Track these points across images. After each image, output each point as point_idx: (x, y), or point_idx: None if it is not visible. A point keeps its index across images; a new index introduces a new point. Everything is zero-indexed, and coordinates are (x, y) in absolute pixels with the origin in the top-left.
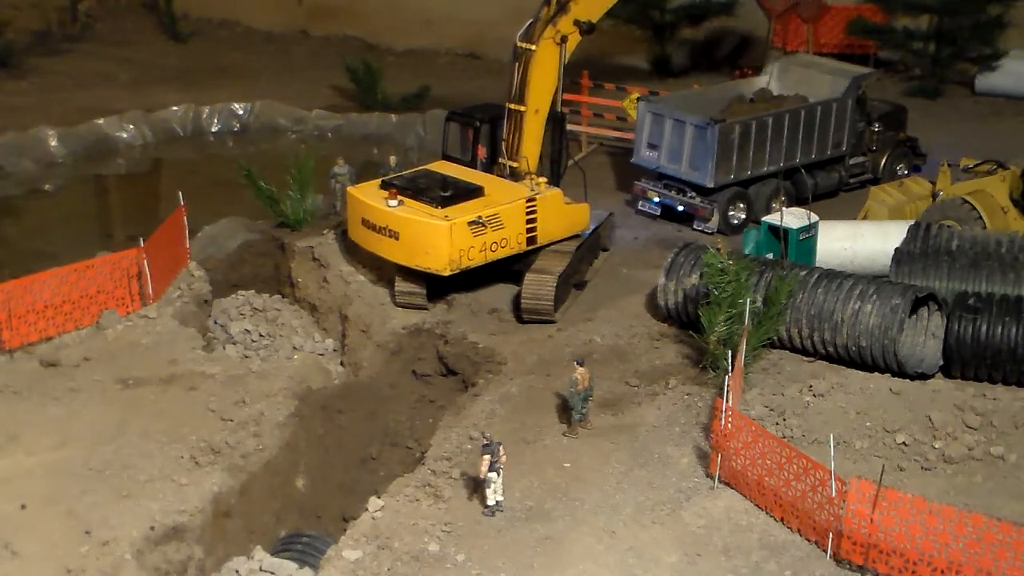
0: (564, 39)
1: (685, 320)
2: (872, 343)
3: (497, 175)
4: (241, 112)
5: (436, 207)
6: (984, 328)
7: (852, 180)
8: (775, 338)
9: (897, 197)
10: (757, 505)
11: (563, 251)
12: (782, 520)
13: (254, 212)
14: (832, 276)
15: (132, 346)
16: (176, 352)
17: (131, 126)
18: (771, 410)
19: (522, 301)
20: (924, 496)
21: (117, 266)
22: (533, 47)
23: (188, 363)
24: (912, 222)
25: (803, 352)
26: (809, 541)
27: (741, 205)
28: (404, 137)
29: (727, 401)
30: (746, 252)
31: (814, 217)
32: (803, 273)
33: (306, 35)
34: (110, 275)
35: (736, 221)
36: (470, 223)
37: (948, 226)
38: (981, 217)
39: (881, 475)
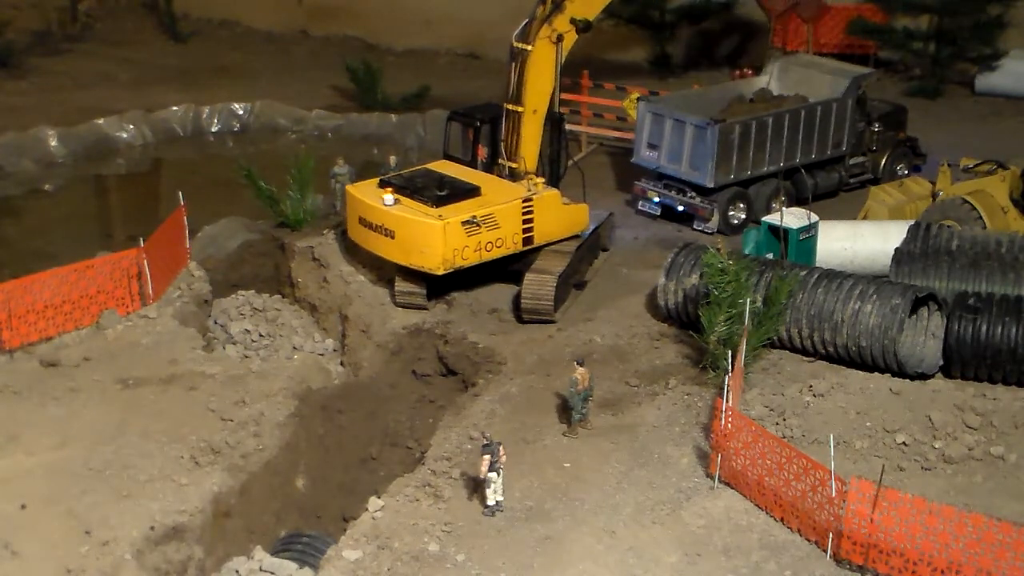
0: (560, 38)
1: (685, 320)
2: (872, 343)
3: (497, 175)
4: (241, 112)
5: (431, 206)
6: (984, 328)
7: (852, 180)
8: (775, 338)
9: (897, 197)
10: (757, 505)
11: (563, 251)
12: (782, 520)
13: (254, 212)
14: (832, 276)
15: (132, 346)
16: (176, 352)
17: (131, 126)
18: (771, 410)
19: (522, 301)
20: (924, 496)
21: (117, 266)
22: (529, 47)
23: (188, 363)
24: (912, 222)
25: (803, 352)
26: (809, 541)
27: (741, 205)
28: (404, 137)
29: (727, 401)
30: (746, 252)
31: (814, 217)
32: (803, 273)
33: (306, 35)
34: (110, 275)
35: (736, 221)
36: (464, 223)
37: (948, 226)
38: (981, 217)
39: (881, 475)
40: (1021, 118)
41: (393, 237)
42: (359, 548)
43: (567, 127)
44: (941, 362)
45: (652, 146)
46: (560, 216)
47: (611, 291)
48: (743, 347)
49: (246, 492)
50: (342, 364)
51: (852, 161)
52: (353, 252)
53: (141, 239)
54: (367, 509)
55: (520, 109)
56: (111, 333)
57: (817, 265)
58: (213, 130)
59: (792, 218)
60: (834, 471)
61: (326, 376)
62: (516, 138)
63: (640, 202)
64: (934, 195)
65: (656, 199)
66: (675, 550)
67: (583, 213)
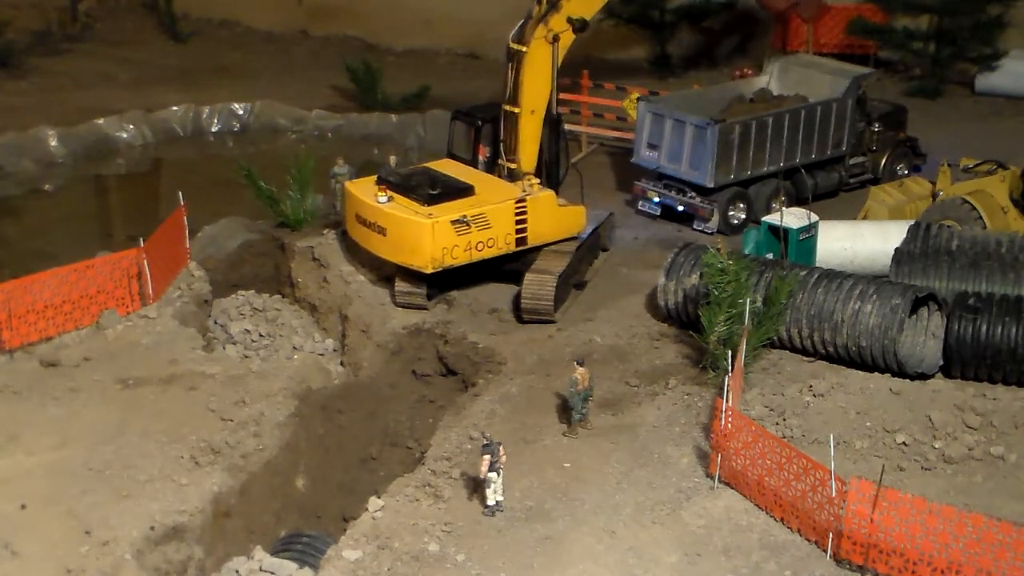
0: (556, 38)
1: (685, 320)
2: (872, 343)
3: (498, 175)
4: (241, 112)
5: (422, 205)
6: (984, 328)
7: (852, 180)
8: (775, 338)
9: (897, 197)
10: (757, 505)
11: (563, 251)
12: (782, 520)
13: (254, 212)
14: (832, 276)
15: (132, 346)
16: (176, 352)
17: (131, 126)
18: (771, 410)
19: (522, 301)
20: (924, 496)
21: (117, 266)
22: (524, 48)
23: (188, 363)
24: (912, 222)
25: (803, 352)
26: (809, 541)
27: (741, 205)
28: (404, 137)
29: (727, 401)
30: (746, 252)
31: (814, 217)
32: (803, 273)
33: (306, 35)
34: (110, 275)
35: (736, 221)
36: (454, 222)
37: (948, 226)
38: (981, 217)
39: (881, 475)
40: (1021, 118)
41: (385, 235)
42: (359, 548)
43: (568, 127)
44: (941, 362)
45: (652, 146)
46: (555, 218)
47: (611, 291)
48: (743, 347)
49: (246, 492)
50: (342, 364)
51: (852, 161)
52: (353, 252)
53: (141, 239)
54: (367, 509)
55: (517, 110)
56: (111, 333)
57: (817, 265)
58: (213, 130)
59: (792, 218)
60: (834, 471)
61: (326, 376)
62: (514, 139)
63: (640, 202)
64: (934, 195)
65: (656, 199)
66: (675, 550)
67: (579, 215)
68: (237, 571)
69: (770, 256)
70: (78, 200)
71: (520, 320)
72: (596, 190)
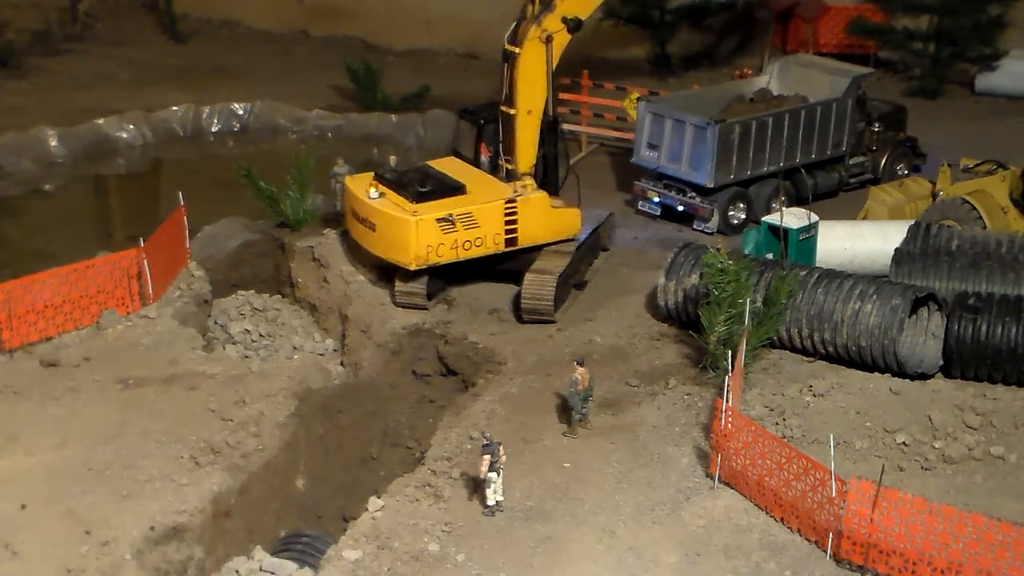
0: (550, 38)
1: (685, 320)
2: (872, 343)
3: (499, 175)
4: (241, 112)
5: (410, 202)
6: (984, 328)
7: (852, 180)
8: (775, 338)
9: (897, 197)
10: (757, 505)
11: (563, 251)
12: (782, 520)
13: (254, 212)
14: (832, 276)
15: (132, 346)
16: (176, 352)
17: (131, 126)
18: (771, 410)
19: (522, 301)
20: (924, 496)
21: (117, 266)
22: (517, 50)
23: (188, 363)
24: (912, 222)
25: (803, 352)
26: (809, 541)
27: (741, 205)
28: (404, 137)
29: (727, 401)
30: (746, 252)
31: (814, 217)
32: (803, 273)
33: (306, 35)
34: (110, 275)
35: (736, 221)
36: (439, 220)
37: (948, 226)
38: (981, 217)
39: (881, 475)
40: (1021, 118)
41: (375, 230)
42: (359, 548)
43: (568, 127)
44: (941, 362)
45: (652, 146)
46: (548, 219)
47: (611, 291)
48: (743, 347)
49: (246, 492)
50: (342, 364)
51: (852, 161)
52: (353, 252)
53: (141, 239)
54: (367, 509)
55: (513, 111)
56: (111, 333)
57: (817, 265)
58: (213, 130)
59: (792, 218)
60: (834, 471)
61: (326, 376)
62: (511, 140)
63: (640, 202)
64: (934, 195)
65: (656, 199)
66: (675, 550)
67: (574, 217)
68: (237, 571)
69: (770, 256)
70: (78, 200)
71: (520, 320)
72: (596, 190)
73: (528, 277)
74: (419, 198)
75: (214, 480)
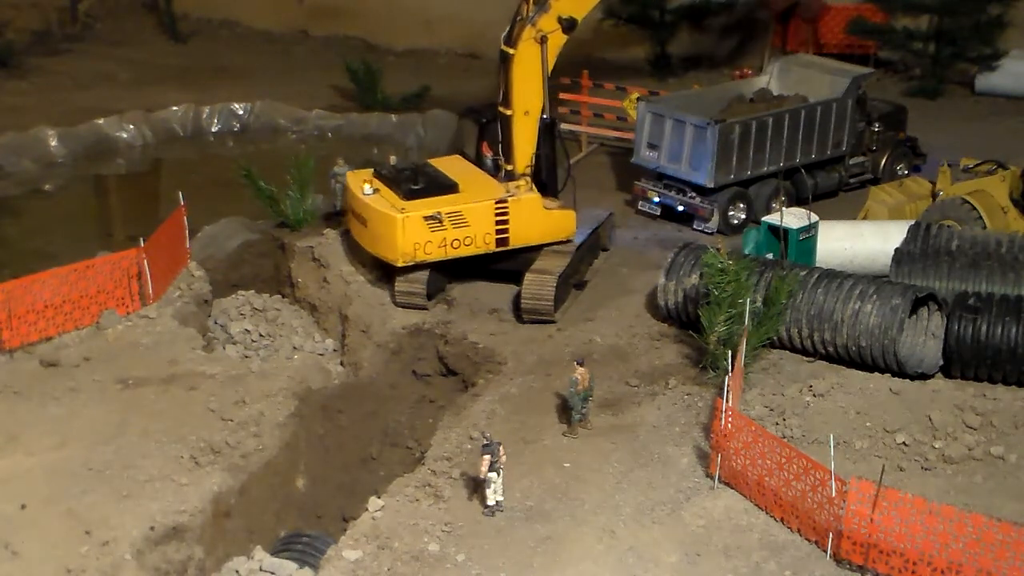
0: (545, 39)
1: (685, 320)
2: (872, 343)
3: (500, 175)
4: (241, 112)
5: (400, 199)
6: (984, 328)
7: (852, 180)
8: (775, 338)
9: (897, 197)
10: (757, 505)
11: (563, 251)
12: (782, 520)
13: (254, 212)
14: (832, 276)
15: (132, 346)
16: (176, 352)
17: (131, 126)
18: (771, 410)
19: (522, 301)
20: (924, 496)
21: (117, 266)
22: (512, 50)
23: (188, 363)
24: (912, 222)
25: (803, 352)
26: (809, 541)
27: (741, 205)
28: (404, 137)
29: (727, 401)
30: (746, 252)
31: (814, 217)
32: (803, 273)
33: (306, 35)
34: (110, 275)
35: (736, 221)
36: (426, 218)
37: (948, 226)
38: (981, 217)
39: (881, 475)
40: (1021, 118)
41: (366, 226)
42: (359, 548)
43: (568, 127)
44: (941, 362)
45: (652, 146)
46: (541, 221)
47: (611, 291)
48: (743, 347)
49: (246, 492)
50: (342, 364)
51: (852, 161)
52: (353, 252)
53: (141, 239)
54: (367, 509)
55: (509, 112)
56: (111, 333)
57: (817, 265)
58: (213, 130)
59: (792, 218)
60: (834, 471)
61: (326, 376)
62: (509, 140)
63: (640, 202)
64: (934, 195)
65: (656, 199)
66: (675, 550)
67: (568, 219)
68: (237, 571)
69: (770, 256)
70: (78, 200)
71: (520, 320)
72: (596, 190)
73: (528, 277)
74: (409, 195)
75: (214, 480)
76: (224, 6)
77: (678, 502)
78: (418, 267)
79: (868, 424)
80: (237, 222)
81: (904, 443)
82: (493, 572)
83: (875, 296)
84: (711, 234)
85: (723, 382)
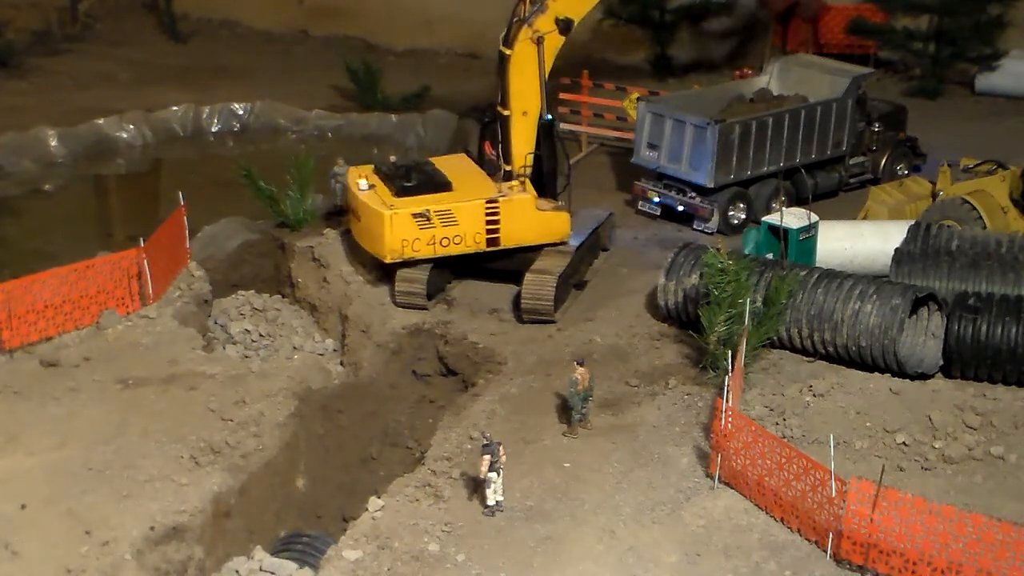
0: (541, 39)
1: (685, 320)
2: (872, 343)
3: (499, 174)
4: (241, 112)
5: (392, 195)
6: (984, 328)
7: (852, 180)
8: (775, 338)
9: (897, 197)
10: (757, 505)
11: (563, 251)
12: (782, 520)
13: (254, 212)
14: (832, 276)
15: (132, 346)
16: (176, 352)
17: (131, 126)
18: (771, 410)
19: (522, 301)
20: (924, 496)
21: (117, 266)
22: (509, 51)
23: (188, 363)
24: (912, 222)
25: (803, 352)
26: (809, 541)
27: (741, 205)
28: (404, 137)
29: (727, 401)
30: (746, 252)
31: (814, 217)
32: (803, 273)
33: (306, 35)
34: (110, 275)
35: (736, 221)
36: (414, 215)
37: (948, 226)
38: (981, 217)
39: (881, 475)
40: (1021, 118)
41: (360, 221)
42: (359, 548)
43: (568, 127)
44: (941, 362)
45: (652, 146)
46: (533, 222)
47: (611, 291)
48: (743, 347)
49: (246, 492)
50: (342, 364)
51: (852, 161)
52: (353, 252)
53: (141, 239)
54: (367, 509)
55: (507, 112)
56: (111, 333)
57: (817, 265)
58: (213, 130)
59: (792, 218)
60: (834, 471)
61: (326, 376)
62: (507, 140)
63: (640, 202)
64: (934, 195)
65: (656, 199)
66: (675, 550)
67: (562, 221)
68: (237, 571)
69: (770, 256)
70: (78, 200)
71: (520, 320)
72: (596, 190)
73: (528, 277)
74: (400, 192)
75: (214, 480)
76: (224, 6)
77: (678, 502)
78: (417, 265)
79: (868, 424)
80: (237, 222)
81: (904, 443)
82: (493, 572)
83: (875, 296)
84: (711, 234)
85: (723, 382)
